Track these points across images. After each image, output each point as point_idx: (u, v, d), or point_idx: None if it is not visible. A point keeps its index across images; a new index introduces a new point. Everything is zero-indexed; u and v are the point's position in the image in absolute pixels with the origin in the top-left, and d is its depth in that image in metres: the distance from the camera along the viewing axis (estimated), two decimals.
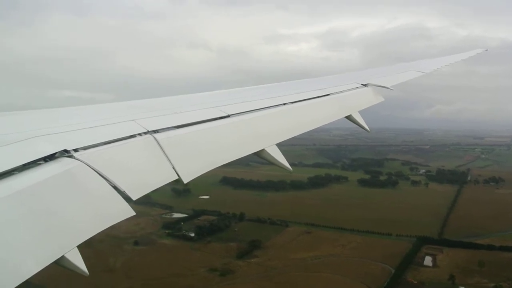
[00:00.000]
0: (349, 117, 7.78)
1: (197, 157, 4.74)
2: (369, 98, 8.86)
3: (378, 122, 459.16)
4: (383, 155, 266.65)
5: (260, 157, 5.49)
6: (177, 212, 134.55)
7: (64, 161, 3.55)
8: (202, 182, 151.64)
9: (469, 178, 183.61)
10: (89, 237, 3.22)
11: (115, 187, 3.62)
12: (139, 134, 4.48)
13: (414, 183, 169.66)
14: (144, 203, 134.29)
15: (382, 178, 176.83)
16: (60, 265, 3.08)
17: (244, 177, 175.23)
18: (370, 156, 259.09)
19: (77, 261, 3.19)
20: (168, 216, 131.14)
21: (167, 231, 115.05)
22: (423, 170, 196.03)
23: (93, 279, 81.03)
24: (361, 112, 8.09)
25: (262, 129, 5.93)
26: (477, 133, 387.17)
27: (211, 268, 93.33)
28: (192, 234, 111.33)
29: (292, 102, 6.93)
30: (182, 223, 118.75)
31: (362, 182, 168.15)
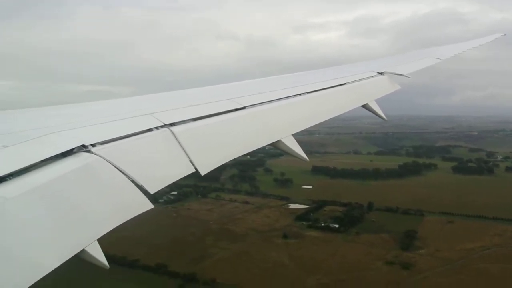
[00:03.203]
0: (365, 106, 7.53)
1: (213, 149, 4.65)
2: (385, 86, 8.55)
3: (403, 110, 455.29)
4: (434, 141, 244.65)
5: (276, 148, 5.37)
6: (293, 203, 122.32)
7: (82, 156, 3.58)
8: (295, 172, 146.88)
9: None
10: (108, 230, 3.20)
11: (133, 181, 3.63)
12: (156, 128, 4.42)
13: (509, 169, 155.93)
14: (252, 194, 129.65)
15: (471, 165, 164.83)
16: (81, 259, 3.05)
17: (331, 165, 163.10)
18: (422, 143, 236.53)
19: (98, 254, 3.13)
20: (292, 207, 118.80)
21: (304, 223, 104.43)
22: (500, 157, 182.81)
23: (285, 276, 76.39)
24: (383, 100, 7.88)
25: (278, 120, 5.83)
26: None
27: (386, 262, 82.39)
28: (336, 225, 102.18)
29: (308, 92, 6.73)
30: (311, 214, 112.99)
31: (456, 170, 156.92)
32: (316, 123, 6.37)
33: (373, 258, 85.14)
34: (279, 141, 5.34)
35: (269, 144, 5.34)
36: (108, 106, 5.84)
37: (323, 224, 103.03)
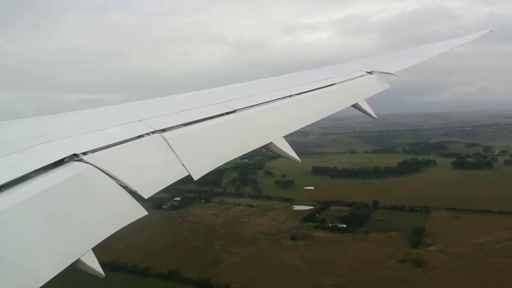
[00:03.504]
0: (355, 106, 7.51)
1: (205, 154, 4.67)
2: (374, 86, 8.53)
3: (394, 108, 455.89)
4: (428, 138, 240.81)
5: (268, 150, 5.38)
6: (297, 204, 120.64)
7: (74, 165, 3.57)
8: (295, 173, 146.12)
9: None
10: (103, 238, 3.18)
11: (126, 187, 3.61)
12: (147, 134, 4.44)
13: (508, 163, 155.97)
14: (255, 197, 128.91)
15: (469, 160, 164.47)
16: (76, 268, 3.02)
17: (330, 165, 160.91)
18: (417, 140, 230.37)
19: (93, 263, 3.13)
20: (296, 209, 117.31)
21: (311, 224, 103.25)
22: (497, 151, 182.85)
23: (299, 278, 75.71)
24: (373, 99, 7.89)
25: (269, 122, 5.86)
26: (508, 112, 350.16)
27: (399, 260, 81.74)
28: (344, 225, 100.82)
29: (297, 94, 6.74)
30: (317, 214, 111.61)
31: (456, 165, 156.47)
32: (307, 124, 6.38)
33: (385, 257, 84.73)
34: (270, 143, 5.36)
35: (261, 147, 5.35)
36: (98, 114, 5.87)
37: (330, 225, 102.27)
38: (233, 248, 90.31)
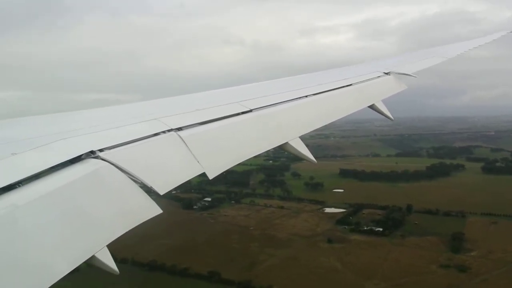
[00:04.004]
0: (372, 107, 7.47)
1: (221, 153, 4.65)
2: (391, 87, 8.42)
3: (413, 111, 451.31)
4: (451, 142, 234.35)
5: (284, 150, 5.37)
6: (328, 207, 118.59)
7: (90, 162, 3.59)
8: (322, 176, 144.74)
9: None
10: (118, 236, 3.21)
11: (142, 184, 3.63)
12: (163, 132, 4.45)
13: None
14: (285, 198, 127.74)
15: (498, 165, 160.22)
16: (91, 265, 3.07)
17: (357, 168, 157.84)
18: (439, 144, 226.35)
19: (107, 260, 3.15)
20: (328, 211, 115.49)
21: (346, 227, 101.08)
22: None
23: (341, 282, 74.40)
24: (391, 102, 7.96)
25: (285, 122, 5.77)
26: None
27: (441, 265, 79.46)
28: (380, 229, 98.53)
29: (314, 94, 6.78)
30: (350, 217, 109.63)
31: (485, 170, 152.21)
32: (323, 124, 6.32)
33: (426, 261, 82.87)
34: (286, 143, 5.33)
35: (277, 147, 5.30)
36: (114, 112, 5.85)
37: (366, 228, 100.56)
38: (270, 250, 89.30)
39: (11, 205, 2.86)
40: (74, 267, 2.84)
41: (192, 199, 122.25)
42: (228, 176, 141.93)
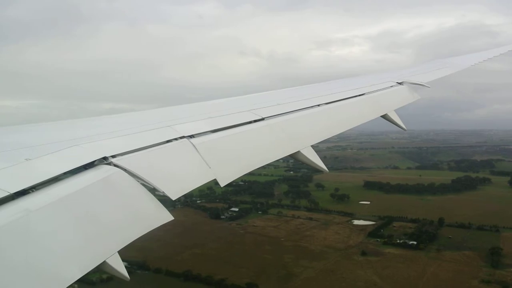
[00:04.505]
0: (384, 116, 7.41)
1: (232, 161, 4.64)
2: (404, 96, 8.46)
3: (427, 124, 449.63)
4: (469, 155, 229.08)
5: (295, 159, 5.34)
6: (357, 219, 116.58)
7: (103, 168, 3.62)
8: (347, 187, 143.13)
9: None
10: (129, 242, 3.21)
11: (154, 190, 3.65)
12: (175, 139, 4.48)
13: None
14: (312, 210, 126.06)
15: None
16: (102, 270, 3.08)
17: (382, 180, 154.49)
18: (458, 157, 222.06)
19: (118, 266, 3.14)
20: (357, 223, 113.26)
21: (379, 240, 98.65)
22: None
23: None
24: (407, 115, 8.62)
25: (297, 131, 5.78)
26: None
27: (482, 280, 77.07)
28: (414, 242, 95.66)
29: (327, 103, 6.77)
30: (381, 230, 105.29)
31: None
32: (335, 134, 6.25)
33: (467, 277, 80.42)
34: (298, 152, 5.29)
35: (288, 155, 5.25)
36: (127, 119, 5.85)
37: (399, 241, 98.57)
38: (304, 262, 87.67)
39: (25, 209, 2.84)
40: (86, 272, 2.82)
41: (219, 209, 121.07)
42: (253, 187, 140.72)
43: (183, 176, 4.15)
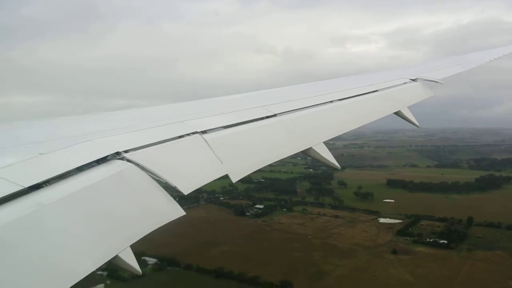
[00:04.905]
0: (398, 113, 7.34)
1: (244, 156, 4.64)
2: (418, 93, 8.39)
3: (444, 122, 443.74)
4: (488, 154, 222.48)
5: (307, 155, 5.30)
6: (383, 217, 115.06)
7: (116, 163, 3.62)
8: (369, 185, 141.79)
9: None
10: (141, 236, 3.22)
11: (166, 185, 3.64)
12: (188, 135, 4.47)
13: None
14: (337, 207, 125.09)
15: None
16: (114, 264, 3.13)
17: (405, 178, 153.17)
18: (477, 156, 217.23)
19: (131, 260, 3.22)
20: (383, 222, 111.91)
21: (408, 238, 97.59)
22: None
23: None
24: (423, 113, 7.94)
25: (309, 127, 5.74)
26: None
27: None
28: (445, 241, 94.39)
29: (339, 100, 6.69)
30: (409, 228, 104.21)
31: None
32: (348, 130, 6.21)
33: (503, 277, 78.74)
34: (310, 148, 5.25)
35: (300, 152, 5.24)
36: (140, 115, 5.95)
37: (430, 240, 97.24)
38: (335, 260, 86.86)
39: (38, 203, 2.87)
40: (98, 266, 2.83)
41: (243, 206, 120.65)
42: (275, 184, 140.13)
43: (195, 171, 4.11)
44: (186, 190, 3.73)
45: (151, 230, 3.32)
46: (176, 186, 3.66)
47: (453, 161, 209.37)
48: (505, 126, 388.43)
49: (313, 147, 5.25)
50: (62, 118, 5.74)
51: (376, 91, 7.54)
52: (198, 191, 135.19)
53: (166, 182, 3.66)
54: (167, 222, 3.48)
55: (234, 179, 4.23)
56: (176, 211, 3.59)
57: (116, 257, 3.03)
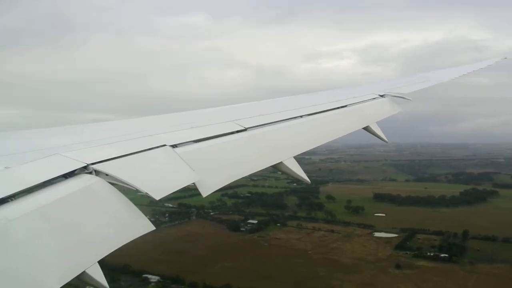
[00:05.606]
0: (367, 128, 7.40)
1: (215, 171, 4.56)
2: (386, 109, 8.44)
3: (412, 137, 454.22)
4: (462, 168, 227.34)
5: (278, 169, 5.28)
6: (377, 231, 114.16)
7: (84, 177, 3.55)
8: (356, 199, 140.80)
9: None
10: (109, 252, 3.14)
11: (137, 189, 3.57)
12: (157, 147, 4.40)
13: None
14: (330, 222, 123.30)
15: None
16: (81, 281, 2.98)
17: (392, 192, 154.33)
18: (451, 170, 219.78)
19: (98, 276, 3.05)
20: (379, 235, 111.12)
21: (408, 252, 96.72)
22: None
23: None
24: (392, 128, 7.87)
25: (279, 141, 5.76)
26: None
27: None
28: (446, 255, 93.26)
29: (309, 114, 6.74)
30: (407, 242, 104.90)
31: None
32: (318, 145, 6.19)
33: None
34: (280, 163, 5.21)
35: (271, 166, 5.19)
36: (108, 128, 5.83)
37: (430, 254, 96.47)
38: (340, 275, 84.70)
39: (3, 218, 2.79)
40: (65, 282, 2.73)
41: (236, 221, 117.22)
42: (263, 198, 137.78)
43: (165, 179, 4.08)
44: (157, 196, 3.65)
45: (119, 245, 3.20)
46: (147, 192, 3.57)
47: (430, 175, 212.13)
48: (471, 141, 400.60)
49: (283, 162, 5.19)
50: (29, 131, 5.59)
51: (345, 106, 7.55)
52: (187, 207, 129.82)
53: (137, 190, 3.56)
54: (136, 237, 3.35)
55: (205, 193, 4.12)
56: (146, 226, 3.48)
57: (84, 273, 2.91)
